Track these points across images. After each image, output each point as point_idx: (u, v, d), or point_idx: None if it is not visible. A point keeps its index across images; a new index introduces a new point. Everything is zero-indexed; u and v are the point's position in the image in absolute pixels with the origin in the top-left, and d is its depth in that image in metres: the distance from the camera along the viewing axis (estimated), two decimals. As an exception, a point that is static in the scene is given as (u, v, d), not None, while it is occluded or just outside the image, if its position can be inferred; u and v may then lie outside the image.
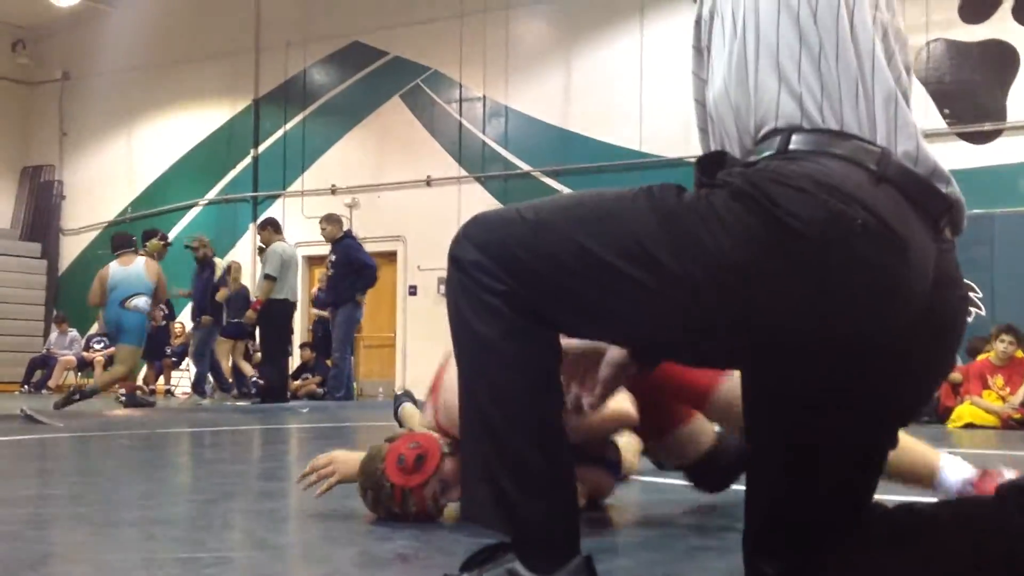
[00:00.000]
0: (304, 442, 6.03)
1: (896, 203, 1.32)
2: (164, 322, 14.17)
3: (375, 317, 14.09)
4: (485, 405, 1.43)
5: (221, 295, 11.55)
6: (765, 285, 1.31)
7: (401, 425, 3.85)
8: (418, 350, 14.37)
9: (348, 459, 2.51)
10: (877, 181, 1.33)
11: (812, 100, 1.39)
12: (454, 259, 1.43)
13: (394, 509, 2.37)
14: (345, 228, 10.53)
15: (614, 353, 1.64)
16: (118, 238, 9.57)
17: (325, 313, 11.22)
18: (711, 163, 1.43)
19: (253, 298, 11.05)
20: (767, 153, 1.38)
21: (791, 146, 1.37)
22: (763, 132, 1.41)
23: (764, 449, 1.52)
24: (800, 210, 1.29)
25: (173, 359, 14.93)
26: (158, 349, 14.45)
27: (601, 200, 1.42)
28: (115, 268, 9.00)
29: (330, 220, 10.37)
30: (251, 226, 15.41)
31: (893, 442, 1.52)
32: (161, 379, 14.68)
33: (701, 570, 1.97)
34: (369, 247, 11.15)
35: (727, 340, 1.39)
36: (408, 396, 4.03)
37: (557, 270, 1.37)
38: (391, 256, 14.45)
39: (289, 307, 10.26)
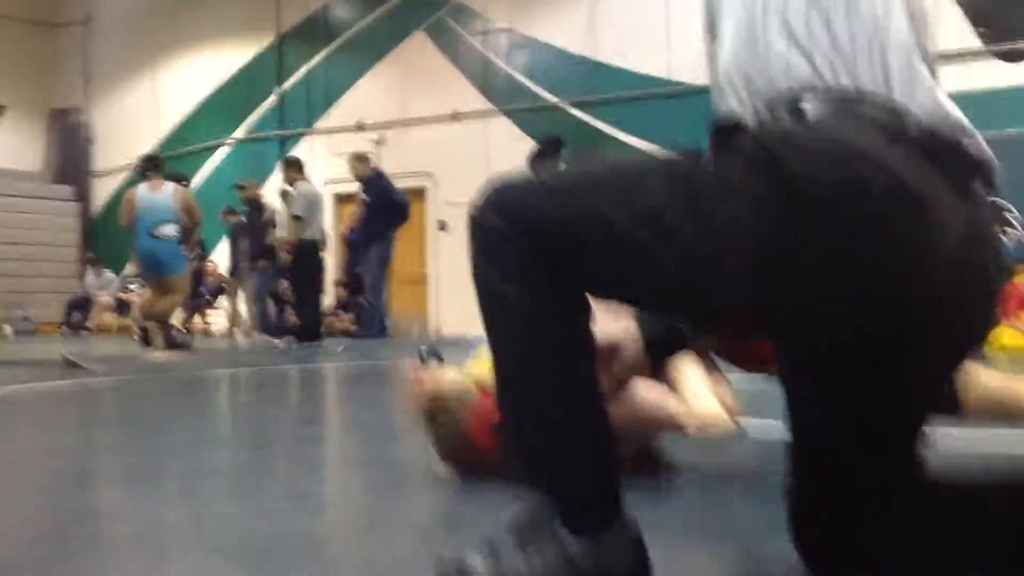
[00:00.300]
0: (340, 384, 6.08)
1: (914, 162, 1.27)
2: (196, 262, 14.31)
3: (405, 254, 14.09)
4: (511, 365, 1.42)
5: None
6: (780, 252, 1.27)
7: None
8: (449, 285, 14.42)
9: (428, 382, 2.46)
10: (893, 140, 1.28)
11: (824, 59, 1.34)
12: (475, 223, 1.41)
13: (453, 456, 2.36)
14: (374, 166, 10.47)
15: (628, 351, 1.62)
16: (148, 160, 9.23)
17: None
18: (725, 130, 1.40)
19: (270, 240, 11.05)
20: (780, 117, 1.34)
21: (803, 108, 1.33)
22: (775, 95, 1.36)
23: (798, 412, 1.50)
24: (812, 173, 1.25)
25: (207, 298, 15.09)
26: (193, 288, 14.56)
27: (620, 168, 1.41)
28: (143, 194, 8.74)
29: (359, 159, 10.33)
30: (278, 165, 15.39)
31: (935, 403, 1.48)
32: (197, 318, 14.85)
33: (749, 521, 1.96)
34: (397, 183, 11.11)
35: (747, 310, 1.36)
36: (435, 353, 3.86)
37: (574, 236, 1.36)
38: (420, 192, 14.41)
39: (318, 247, 10.30)
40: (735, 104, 1.43)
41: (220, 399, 5.20)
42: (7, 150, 18.68)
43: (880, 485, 1.43)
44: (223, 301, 14.73)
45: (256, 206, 11.77)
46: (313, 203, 10.13)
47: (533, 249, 1.36)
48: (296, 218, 9.86)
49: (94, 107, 18.68)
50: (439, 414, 2.37)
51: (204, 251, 14.43)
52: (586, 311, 1.44)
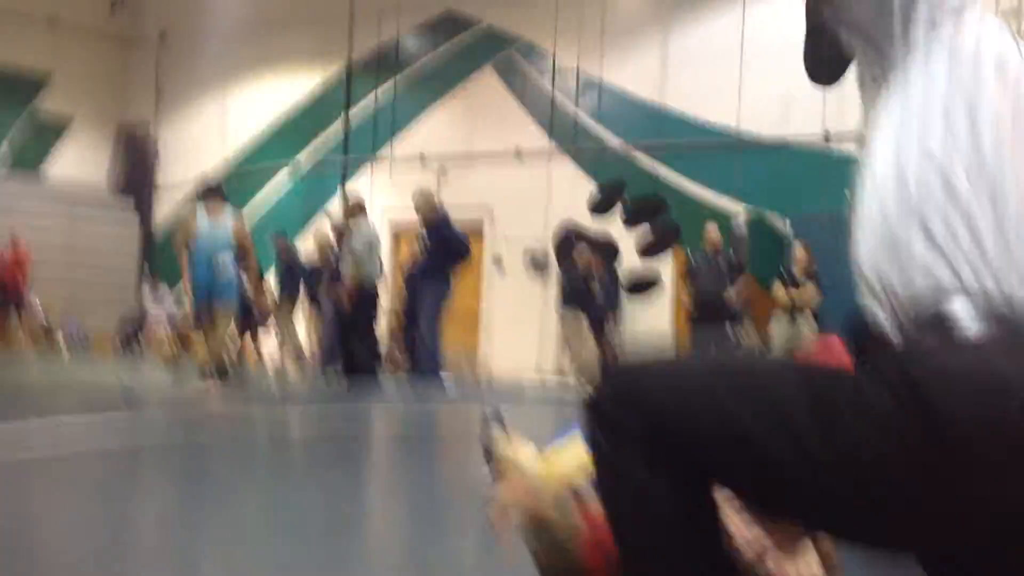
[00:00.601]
0: (400, 447, 5.97)
1: None
2: (253, 285, 14.33)
3: (459, 289, 14.03)
4: (632, 543, 1.37)
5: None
6: (917, 495, 1.17)
7: (490, 458, 3.46)
8: (502, 323, 14.36)
9: (525, 493, 2.33)
10: None
11: (966, 264, 1.23)
12: (593, 404, 1.36)
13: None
14: (438, 206, 10.41)
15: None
16: (209, 190, 9.09)
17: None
18: (867, 340, 1.31)
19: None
20: (924, 333, 1.24)
21: (948, 324, 1.22)
22: (917, 304, 1.26)
23: None
24: (959, 411, 1.14)
25: (259, 319, 15.10)
26: (247, 311, 14.59)
27: (751, 368, 1.34)
28: (203, 222, 8.64)
29: (424, 198, 10.29)
30: (339, 190, 15.43)
31: None
32: (249, 342, 14.90)
33: None
34: (456, 217, 11.04)
35: (868, 533, 1.27)
36: (498, 417, 3.61)
37: (700, 437, 1.29)
38: (478, 227, 14.36)
39: (375, 286, 10.23)
40: (875, 305, 1.33)
41: (272, 467, 5.11)
42: (75, 160, 18.97)
43: None
44: (273, 326, 14.72)
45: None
46: (372, 243, 10.06)
47: (658, 443, 1.30)
48: (355, 257, 9.79)
49: (163, 123, 18.92)
50: (542, 533, 2.24)
51: (260, 275, 14.48)
52: (706, 495, 1.36)
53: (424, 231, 10.27)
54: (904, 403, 1.16)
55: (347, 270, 9.86)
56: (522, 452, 3.15)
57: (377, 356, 10.68)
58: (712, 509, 1.36)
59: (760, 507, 1.48)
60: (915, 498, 1.17)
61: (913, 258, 1.27)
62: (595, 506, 2.14)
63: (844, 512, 1.25)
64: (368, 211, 10.93)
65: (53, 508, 3.33)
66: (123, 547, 2.78)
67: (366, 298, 10.00)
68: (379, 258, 10.54)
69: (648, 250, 13.38)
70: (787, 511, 1.38)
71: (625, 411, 1.32)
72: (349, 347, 10.35)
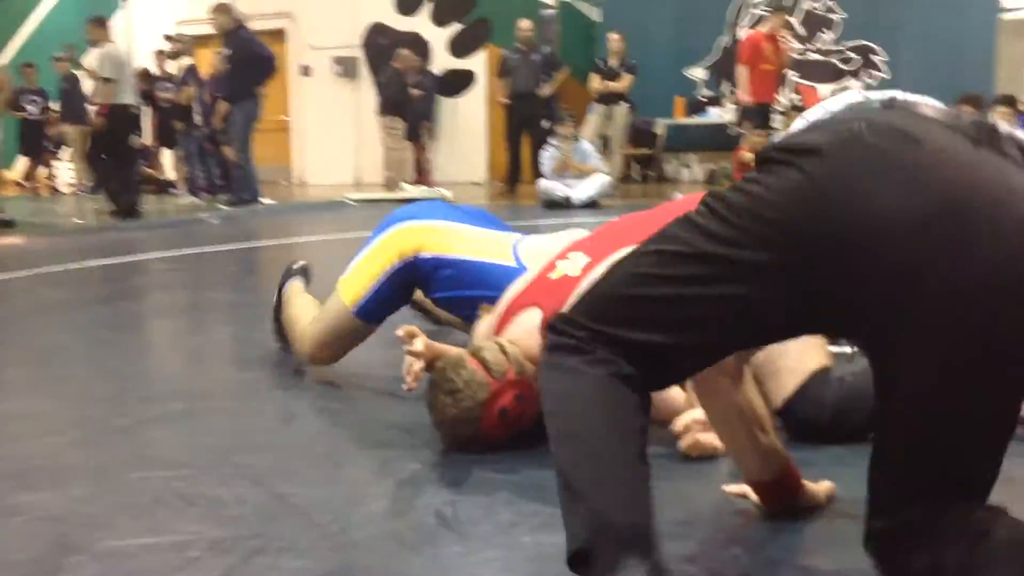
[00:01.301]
0: (236, 279, 5.72)
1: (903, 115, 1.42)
2: (39, 114, 13.25)
3: (266, 101, 13.37)
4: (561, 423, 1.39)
5: (189, 96, 11.06)
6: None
7: (280, 305, 3.33)
8: (312, 133, 13.87)
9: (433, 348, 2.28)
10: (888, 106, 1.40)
11: None
12: (553, 329, 1.46)
13: (455, 439, 2.24)
14: (236, 16, 9.60)
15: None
16: None
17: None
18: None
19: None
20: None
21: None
22: None
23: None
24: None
25: (52, 150, 14.10)
26: (35, 141, 13.54)
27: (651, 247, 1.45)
28: None
29: (220, 10, 9.48)
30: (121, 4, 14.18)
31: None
32: (41, 171, 13.95)
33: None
34: (254, 24, 10.36)
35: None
36: (303, 272, 3.48)
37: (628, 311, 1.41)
38: (279, 34, 13.59)
39: (132, 112, 9.14)
40: None
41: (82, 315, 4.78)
42: None
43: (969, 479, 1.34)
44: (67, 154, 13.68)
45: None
46: (122, 65, 8.96)
47: (590, 325, 1.42)
48: (107, 81, 8.71)
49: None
50: (449, 396, 2.17)
51: (45, 99, 13.40)
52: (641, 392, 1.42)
53: (224, 46, 9.56)
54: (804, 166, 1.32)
55: (96, 92, 8.86)
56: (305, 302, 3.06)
57: (137, 189, 9.45)
58: (639, 406, 1.39)
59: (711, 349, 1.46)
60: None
61: None
62: (509, 385, 2.14)
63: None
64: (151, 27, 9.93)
65: None
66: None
67: (122, 123, 8.92)
68: (133, 80, 9.40)
69: (460, 48, 13.05)
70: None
71: (575, 326, 1.42)
72: (107, 173, 9.27)
